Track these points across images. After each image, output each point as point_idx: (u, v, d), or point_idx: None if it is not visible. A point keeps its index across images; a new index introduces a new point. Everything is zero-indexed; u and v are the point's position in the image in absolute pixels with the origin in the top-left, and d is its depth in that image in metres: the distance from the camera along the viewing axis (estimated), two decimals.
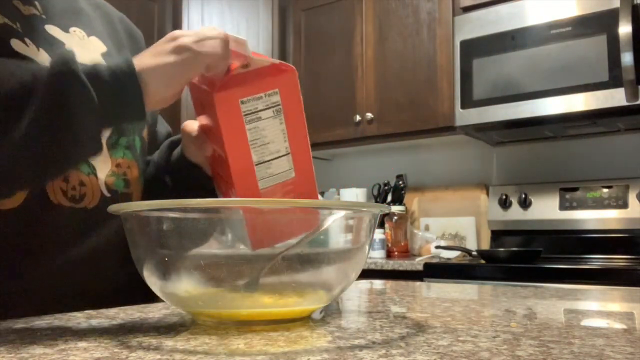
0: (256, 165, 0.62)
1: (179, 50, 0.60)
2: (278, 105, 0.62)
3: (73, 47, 0.74)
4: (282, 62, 0.62)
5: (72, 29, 0.77)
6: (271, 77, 0.61)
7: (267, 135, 0.62)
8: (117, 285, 0.77)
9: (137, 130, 0.81)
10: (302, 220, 0.53)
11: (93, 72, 0.58)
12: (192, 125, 0.73)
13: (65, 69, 0.56)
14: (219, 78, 0.61)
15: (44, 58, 0.69)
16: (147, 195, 0.85)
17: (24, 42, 0.68)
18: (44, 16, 0.73)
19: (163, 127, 0.99)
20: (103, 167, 0.74)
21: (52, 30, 0.74)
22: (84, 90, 0.57)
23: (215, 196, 0.76)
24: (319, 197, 0.66)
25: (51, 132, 0.56)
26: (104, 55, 0.78)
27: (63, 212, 0.69)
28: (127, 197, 0.78)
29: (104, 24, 0.85)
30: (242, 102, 0.60)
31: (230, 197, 0.66)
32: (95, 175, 0.73)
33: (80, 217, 0.71)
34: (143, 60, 0.60)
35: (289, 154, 0.63)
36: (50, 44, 0.71)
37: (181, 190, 0.79)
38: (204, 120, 0.69)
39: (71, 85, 0.56)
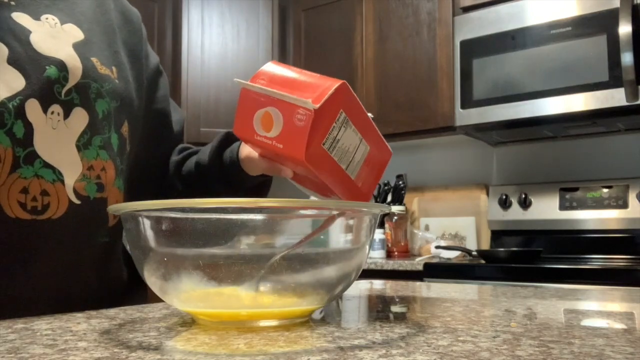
0: (346, 169, 0.63)
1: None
2: (346, 119, 0.62)
3: (41, 37, 0.69)
4: (333, 83, 0.60)
5: (44, 17, 0.71)
6: (333, 105, 0.60)
7: (345, 144, 0.63)
8: (94, 294, 0.74)
9: (115, 126, 0.76)
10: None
11: None
12: (287, 172, 0.68)
13: None
14: (294, 138, 0.60)
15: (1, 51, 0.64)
16: (191, 192, 0.84)
17: None
18: (12, 2, 0.68)
19: (177, 114, 0.96)
20: (72, 171, 0.69)
21: (20, 18, 0.68)
22: None
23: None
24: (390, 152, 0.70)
25: None
26: (76, 45, 0.72)
27: (22, 226, 0.65)
28: (100, 203, 0.72)
29: (92, 6, 0.80)
30: (324, 144, 0.60)
31: (329, 197, 0.68)
32: (62, 181, 0.68)
33: (44, 229, 0.66)
34: None
35: (361, 140, 0.65)
36: (14, 34, 0.66)
37: (233, 195, 0.78)
38: (290, 165, 0.67)
39: None
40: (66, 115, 0.69)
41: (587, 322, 0.55)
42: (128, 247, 0.61)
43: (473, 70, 2.22)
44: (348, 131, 0.62)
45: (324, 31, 2.78)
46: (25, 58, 0.66)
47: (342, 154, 0.62)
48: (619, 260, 2.10)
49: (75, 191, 0.69)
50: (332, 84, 0.60)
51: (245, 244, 0.54)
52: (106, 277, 0.77)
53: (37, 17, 0.70)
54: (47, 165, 0.66)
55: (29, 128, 0.65)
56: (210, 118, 2.72)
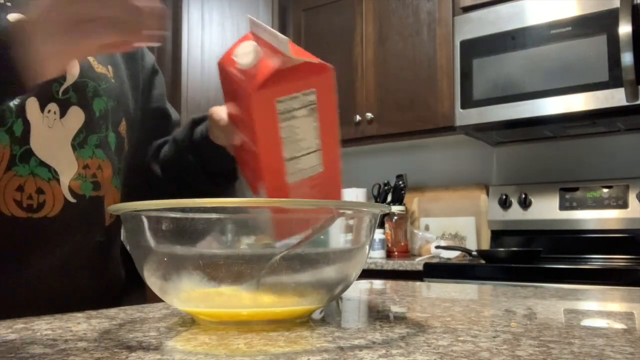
0: (286, 161, 0.61)
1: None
2: (313, 104, 0.61)
3: None
4: (322, 61, 0.61)
5: None
6: (309, 76, 0.60)
7: (300, 133, 0.61)
8: (91, 294, 0.73)
9: (112, 125, 0.76)
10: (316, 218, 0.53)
11: None
12: (220, 112, 0.69)
13: None
14: (257, 72, 0.59)
15: None
16: (168, 174, 0.81)
17: None
18: (8, 4, 0.67)
19: (173, 113, 0.95)
20: (68, 169, 0.69)
21: (14, 18, 0.66)
22: None
23: (236, 181, 0.77)
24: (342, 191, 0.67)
25: None
26: None
27: (18, 224, 0.65)
28: (96, 201, 0.72)
29: None
30: (279, 102, 0.59)
31: (258, 189, 0.66)
32: (58, 179, 0.68)
33: (40, 227, 0.66)
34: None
35: (318, 150, 0.63)
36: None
37: (204, 172, 0.77)
38: (233, 109, 0.68)
39: None
40: (62, 114, 0.69)
41: (587, 322, 0.55)
42: (128, 247, 0.61)
43: (473, 70, 2.22)
44: (308, 121, 0.61)
45: (324, 31, 2.78)
46: None
47: (290, 136, 0.60)
48: (619, 260, 2.10)
49: (70, 190, 0.69)
50: (320, 61, 0.61)
51: (245, 244, 0.54)
52: (103, 276, 0.77)
53: None
54: (42, 163, 0.67)
55: (26, 126, 0.66)
56: None
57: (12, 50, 0.51)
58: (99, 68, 0.75)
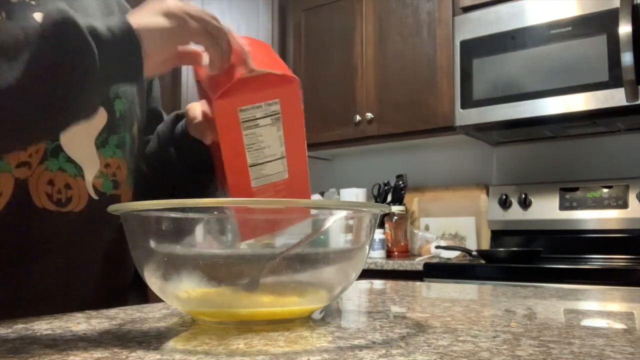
0: (250, 167, 0.64)
1: (168, 14, 0.59)
2: (277, 114, 0.63)
3: None
4: (286, 72, 0.62)
5: None
6: (273, 87, 0.62)
7: (264, 141, 0.63)
8: (106, 290, 0.75)
9: (127, 126, 0.78)
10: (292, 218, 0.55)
11: (90, 27, 0.55)
12: (195, 109, 0.72)
13: (62, 18, 0.53)
14: (221, 81, 0.61)
15: None
16: (151, 167, 0.82)
17: None
18: (33, 2, 0.68)
19: (164, 116, 0.95)
20: (91, 167, 0.71)
21: (39, 18, 0.68)
22: (82, 41, 0.53)
23: (213, 176, 0.78)
24: (311, 197, 0.70)
25: (46, 83, 0.53)
26: None
27: (49, 217, 0.67)
28: (115, 199, 0.74)
29: (101, 6, 0.80)
30: (241, 110, 0.61)
31: (225, 189, 0.68)
32: (82, 176, 0.70)
33: (66, 221, 0.68)
34: (135, 20, 0.58)
35: (284, 157, 0.65)
36: None
37: (183, 165, 0.78)
38: (206, 108, 0.70)
39: (69, 34, 0.53)
40: None
41: (587, 322, 0.55)
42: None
43: (473, 70, 2.22)
44: (272, 130, 0.63)
45: (324, 31, 2.78)
46: None
47: (254, 143, 0.63)
48: (619, 260, 2.10)
49: (94, 187, 0.71)
50: (286, 71, 0.63)
51: (245, 244, 0.54)
52: (113, 273, 0.78)
53: None
54: (69, 159, 0.69)
55: None
56: None
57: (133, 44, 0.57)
58: None
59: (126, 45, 0.57)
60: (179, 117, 0.81)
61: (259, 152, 0.63)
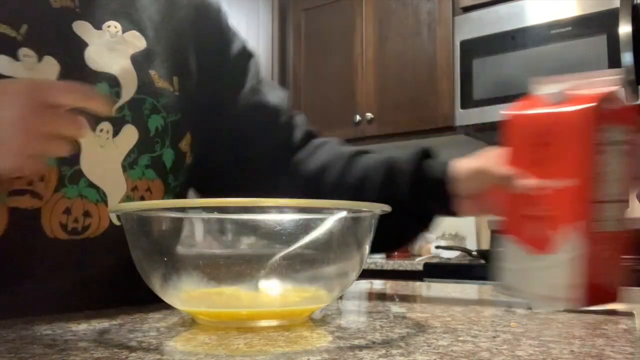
0: (593, 203, 0.56)
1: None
2: (623, 144, 0.56)
3: (97, 50, 0.65)
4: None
5: (106, 24, 0.67)
6: (632, 114, 0.57)
7: (609, 173, 0.55)
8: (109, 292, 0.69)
9: (170, 141, 0.71)
10: None
11: None
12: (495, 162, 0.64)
13: None
14: (584, 96, 0.57)
15: (44, 70, 0.60)
16: (345, 191, 0.74)
17: (15, 56, 0.59)
18: (78, 10, 0.65)
19: (274, 96, 0.85)
20: (116, 191, 0.66)
21: (81, 27, 0.65)
22: None
23: None
24: None
25: None
26: (135, 56, 0.69)
27: (58, 245, 0.63)
28: None
29: (163, 8, 0.75)
30: (601, 130, 0.55)
31: (551, 237, 0.59)
32: (105, 202, 0.65)
33: (79, 247, 0.64)
34: None
35: (624, 202, 0.57)
36: (68, 48, 0.63)
37: (407, 211, 0.70)
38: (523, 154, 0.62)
39: None
40: (116, 132, 0.66)
41: (587, 322, 0.55)
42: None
43: (473, 70, 2.22)
44: (618, 161, 0.56)
45: (324, 31, 2.78)
46: (75, 75, 0.63)
47: (600, 172, 0.55)
48: None
49: None
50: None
51: (245, 244, 0.54)
52: (122, 289, 0.71)
53: (98, 26, 0.67)
54: (91, 184, 0.64)
55: (76, 146, 0.62)
56: None
57: None
58: (160, 82, 0.71)
59: None
60: (425, 154, 0.74)
61: (603, 185, 0.55)
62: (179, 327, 0.51)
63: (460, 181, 0.69)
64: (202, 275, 0.50)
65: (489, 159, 0.67)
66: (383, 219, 0.55)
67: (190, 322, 0.54)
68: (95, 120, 0.64)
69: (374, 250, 0.64)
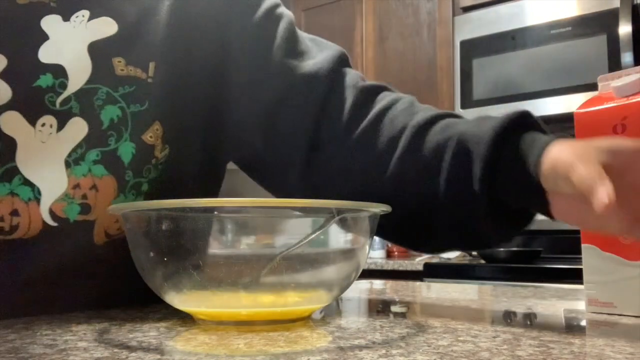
0: None
1: None
2: None
3: (53, 41, 0.62)
4: None
5: (75, 15, 0.63)
6: None
7: None
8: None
9: (130, 134, 0.65)
10: None
11: None
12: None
13: None
14: None
15: None
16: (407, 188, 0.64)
17: None
18: (53, 4, 0.62)
19: (307, 65, 0.74)
20: (53, 189, 0.61)
21: (49, 22, 0.62)
22: None
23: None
24: None
25: None
26: (96, 43, 0.64)
27: None
28: (84, 226, 0.62)
29: None
30: None
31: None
32: (38, 200, 0.60)
33: (11, 247, 0.60)
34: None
35: None
36: (25, 43, 0.60)
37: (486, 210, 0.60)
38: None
39: None
40: (60, 127, 0.62)
41: (587, 322, 0.55)
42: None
43: (473, 70, 2.22)
44: None
45: (324, 31, 2.78)
46: (21, 68, 0.61)
47: None
48: None
49: (51, 212, 0.61)
50: None
51: (245, 244, 0.54)
52: (105, 285, 0.67)
53: (67, 17, 0.63)
54: (26, 182, 0.60)
55: (9, 143, 0.59)
56: None
57: None
58: (125, 70, 0.65)
59: None
60: (501, 137, 0.60)
61: None
62: (179, 327, 0.51)
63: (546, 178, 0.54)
64: (202, 275, 0.50)
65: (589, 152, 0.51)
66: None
67: (190, 322, 0.54)
68: (35, 114, 0.60)
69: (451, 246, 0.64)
